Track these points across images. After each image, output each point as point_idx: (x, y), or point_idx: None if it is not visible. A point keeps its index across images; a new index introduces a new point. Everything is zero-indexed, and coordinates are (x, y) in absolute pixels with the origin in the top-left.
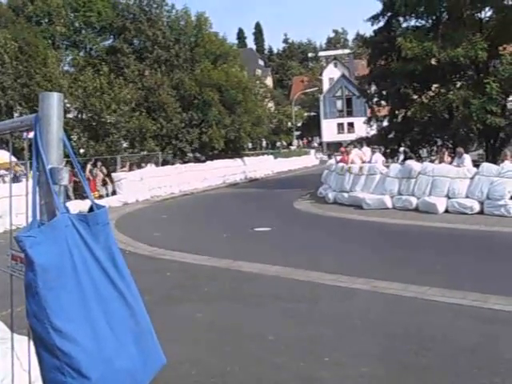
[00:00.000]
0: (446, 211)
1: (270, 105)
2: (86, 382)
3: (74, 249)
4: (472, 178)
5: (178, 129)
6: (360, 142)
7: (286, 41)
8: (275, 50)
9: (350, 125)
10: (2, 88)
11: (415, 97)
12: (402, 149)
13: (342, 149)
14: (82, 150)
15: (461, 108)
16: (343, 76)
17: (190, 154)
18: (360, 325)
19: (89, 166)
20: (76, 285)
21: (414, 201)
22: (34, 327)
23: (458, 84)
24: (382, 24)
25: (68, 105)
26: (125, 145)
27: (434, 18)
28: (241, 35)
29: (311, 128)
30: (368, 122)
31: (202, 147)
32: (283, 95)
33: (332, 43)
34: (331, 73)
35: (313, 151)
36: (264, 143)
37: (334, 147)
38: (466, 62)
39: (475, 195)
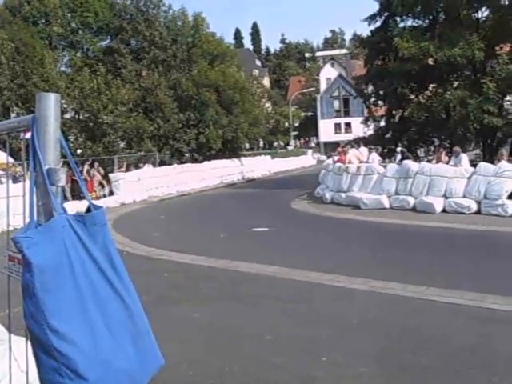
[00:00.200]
0: (444, 211)
1: (267, 105)
2: (83, 383)
3: (72, 249)
4: (469, 178)
5: (175, 129)
6: (357, 142)
7: (283, 41)
8: (272, 50)
9: (347, 125)
10: None
11: (412, 97)
12: (399, 149)
13: (340, 149)
14: (79, 151)
15: (458, 108)
16: (340, 76)
17: (188, 155)
18: (358, 325)
19: (86, 167)
20: (73, 286)
21: (411, 201)
22: (31, 328)
23: (455, 84)
24: (378, 24)
25: (65, 105)
26: (122, 145)
27: (430, 17)
28: (238, 35)
29: (308, 128)
30: (365, 122)
31: (200, 147)
32: (280, 95)
33: (329, 43)
34: (328, 73)
35: (310, 151)
36: (261, 143)
37: (331, 147)
38: (463, 61)
39: (472, 195)
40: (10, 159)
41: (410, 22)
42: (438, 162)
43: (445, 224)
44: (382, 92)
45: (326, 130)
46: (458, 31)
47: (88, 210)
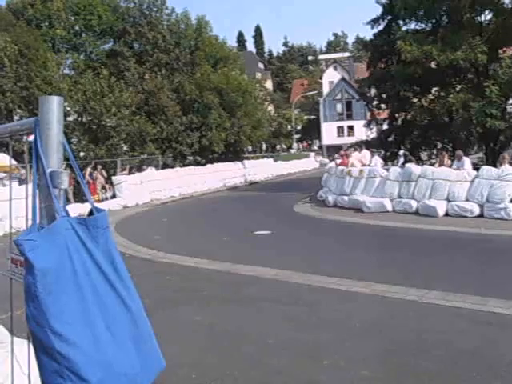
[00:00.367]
0: (446, 214)
1: (270, 108)
2: None
3: (74, 252)
4: (472, 181)
5: (178, 132)
6: (360, 145)
7: (285, 44)
8: (275, 54)
9: (350, 128)
10: (2, 91)
11: (415, 100)
12: (401, 152)
13: (342, 152)
14: (81, 154)
15: (461, 111)
16: (343, 79)
17: (190, 157)
18: (359, 328)
19: (89, 170)
20: (76, 288)
21: (413, 204)
22: (33, 331)
23: (458, 87)
24: (381, 27)
25: (68, 108)
26: (125, 148)
27: (433, 21)
28: (241, 38)
29: (311, 131)
30: (368, 125)
31: (202, 150)
32: (283, 98)
33: (332, 46)
34: (331, 76)
35: (313, 154)
36: (264, 146)
37: (334, 150)
38: (466, 65)
39: (475, 198)
40: (13, 162)
41: (412, 26)
42: (440, 166)
43: (447, 227)
44: (384, 95)
45: (329, 133)
46: (461, 34)
47: (91, 212)
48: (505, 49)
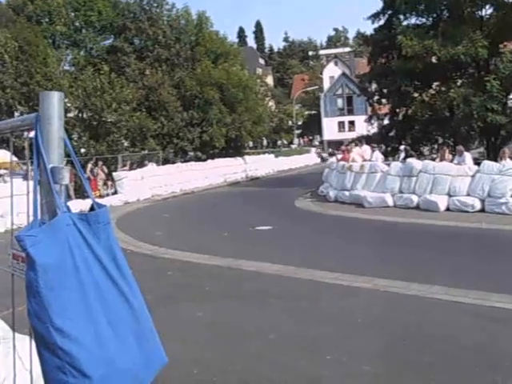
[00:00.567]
0: (447, 209)
1: (271, 103)
2: (87, 381)
3: (75, 248)
4: (473, 176)
5: (178, 128)
6: (360, 141)
7: (286, 39)
8: (276, 49)
9: (351, 123)
10: (3, 87)
11: (416, 95)
12: (402, 147)
13: (343, 147)
14: (82, 150)
15: (461, 106)
16: (344, 74)
17: (191, 153)
18: (361, 323)
19: (90, 166)
20: (77, 284)
21: (415, 199)
22: (35, 327)
23: (459, 82)
24: (382, 22)
25: (68, 104)
26: (126, 144)
27: (434, 15)
28: (241, 34)
29: (312, 126)
30: (369, 120)
31: (203, 146)
32: (284, 94)
33: (332, 41)
34: (332, 71)
35: (313, 149)
36: (265, 142)
37: (335, 146)
38: (467, 59)
39: (476, 193)
40: (14, 158)
41: (413, 20)
42: (441, 161)
43: (448, 222)
44: (385, 90)
45: (330, 128)
46: (462, 29)
47: (92, 208)
48: (505, 43)
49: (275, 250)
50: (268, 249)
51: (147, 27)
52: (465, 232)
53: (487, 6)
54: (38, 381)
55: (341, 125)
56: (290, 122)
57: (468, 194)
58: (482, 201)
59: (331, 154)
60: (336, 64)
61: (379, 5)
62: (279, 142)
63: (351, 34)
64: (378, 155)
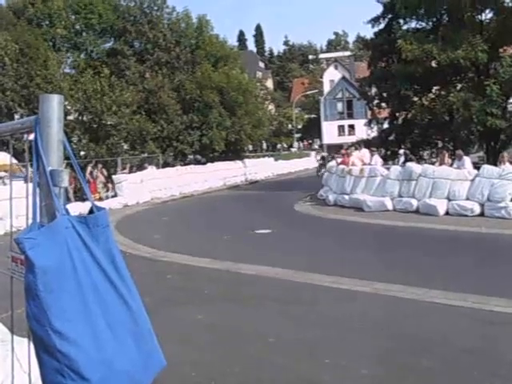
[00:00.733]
0: (447, 213)
1: (271, 107)
2: None
3: (74, 251)
4: (472, 180)
5: (178, 131)
6: (359, 144)
7: (286, 43)
8: (276, 52)
9: (351, 127)
10: (3, 89)
11: (416, 99)
12: (402, 151)
13: (343, 151)
14: (82, 152)
15: (461, 110)
16: (344, 78)
17: (191, 156)
18: (360, 327)
19: (89, 168)
20: (76, 287)
21: (414, 203)
22: (33, 329)
23: (459, 86)
24: (382, 26)
25: (68, 107)
26: (125, 147)
27: (434, 20)
28: (241, 37)
29: (312, 130)
30: (368, 124)
31: (203, 149)
32: (284, 97)
33: (332, 45)
34: (332, 75)
35: (313, 153)
36: (264, 145)
37: (335, 149)
38: (467, 64)
39: (476, 197)
40: (14, 160)
41: (413, 24)
42: (441, 165)
43: (448, 226)
44: (385, 94)
45: (330, 132)
46: (462, 33)
47: (91, 211)
48: (505, 48)
49: (274, 253)
50: (267, 252)
51: (147, 30)
52: (464, 236)
53: (487, 11)
54: (36, 383)
55: (340, 129)
56: (289, 126)
57: (467, 198)
58: (482, 205)
59: (322, 159)
60: (336, 68)
61: (379, 9)
62: (279, 146)
63: (351, 38)
64: (378, 159)
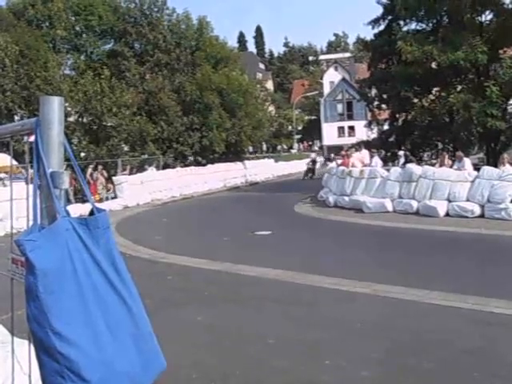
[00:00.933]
0: (447, 215)
1: (271, 108)
2: None
3: (75, 253)
4: (473, 182)
5: (178, 132)
6: (359, 145)
7: (286, 44)
8: (276, 54)
9: (351, 128)
10: (3, 91)
11: (416, 100)
12: (401, 152)
13: (343, 152)
14: (82, 154)
15: (461, 111)
16: (344, 79)
17: (191, 158)
18: (360, 328)
19: (89, 170)
20: (76, 289)
21: (414, 204)
22: (34, 331)
23: (459, 87)
24: (382, 27)
25: (69, 108)
26: (125, 148)
27: (434, 21)
28: (241, 39)
29: (312, 131)
30: (369, 125)
31: (203, 151)
32: (284, 99)
33: (332, 47)
34: (332, 76)
35: (313, 155)
36: (264, 147)
37: (335, 151)
38: (467, 65)
39: (476, 199)
40: (14, 162)
41: (413, 26)
42: (441, 166)
43: (448, 228)
44: (385, 95)
45: (330, 133)
46: (462, 35)
47: (91, 213)
48: (505, 49)
49: (275, 254)
50: (267, 254)
51: (147, 32)
52: (464, 237)
53: (487, 12)
54: None
55: (341, 130)
56: (289, 127)
57: (467, 200)
58: (482, 206)
59: (312, 163)
60: (336, 69)
61: (379, 10)
62: (279, 147)
63: (351, 40)
64: (378, 160)
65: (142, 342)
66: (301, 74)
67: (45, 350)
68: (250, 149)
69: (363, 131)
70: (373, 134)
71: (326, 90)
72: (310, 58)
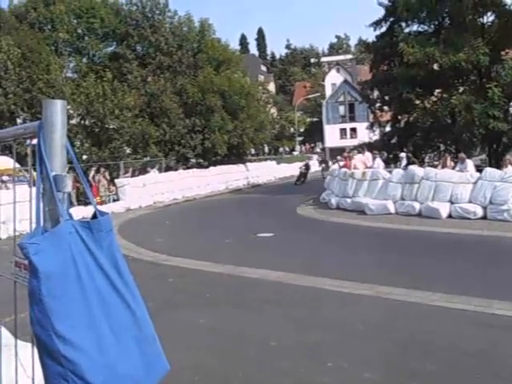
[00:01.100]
0: (449, 216)
1: (273, 110)
2: None
3: (78, 256)
4: (475, 183)
5: (180, 135)
6: (362, 148)
7: (288, 46)
8: (278, 56)
9: (353, 130)
10: (5, 93)
11: (418, 102)
12: (403, 154)
13: (345, 154)
14: (84, 156)
15: (463, 113)
16: (346, 81)
17: (193, 160)
18: (363, 330)
19: (92, 172)
20: (80, 292)
21: (416, 206)
22: (37, 334)
23: (461, 89)
24: (384, 29)
25: (71, 111)
26: (128, 151)
27: (436, 23)
28: (243, 41)
29: (314, 133)
30: (371, 127)
31: (205, 153)
32: (286, 101)
33: (334, 49)
34: (334, 78)
35: (315, 156)
36: (266, 149)
37: (337, 153)
38: (468, 66)
39: (478, 200)
40: (17, 165)
41: (415, 28)
42: (443, 168)
43: (450, 229)
44: (387, 97)
45: (332, 135)
46: (463, 36)
47: (94, 215)
48: (507, 50)
49: (277, 256)
50: (270, 256)
51: (149, 34)
52: (467, 239)
53: (489, 14)
54: None
55: (343, 132)
56: (291, 129)
57: (470, 201)
58: (484, 208)
59: (305, 167)
60: (338, 71)
61: (381, 12)
62: (281, 149)
63: (353, 42)
64: (380, 162)
65: (145, 345)
66: (303, 76)
67: (48, 353)
68: (252, 151)
69: (365, 133)
70: (375, 136)
71: (328, 91)
72: (312, 60)
